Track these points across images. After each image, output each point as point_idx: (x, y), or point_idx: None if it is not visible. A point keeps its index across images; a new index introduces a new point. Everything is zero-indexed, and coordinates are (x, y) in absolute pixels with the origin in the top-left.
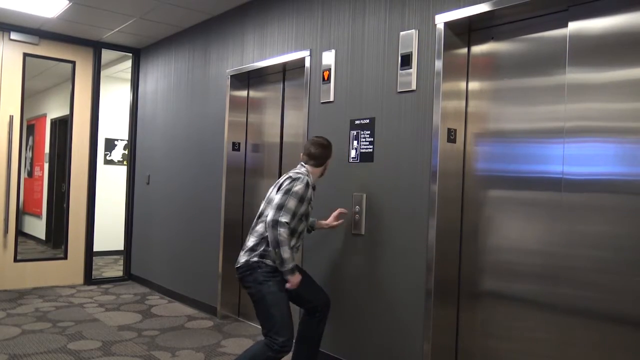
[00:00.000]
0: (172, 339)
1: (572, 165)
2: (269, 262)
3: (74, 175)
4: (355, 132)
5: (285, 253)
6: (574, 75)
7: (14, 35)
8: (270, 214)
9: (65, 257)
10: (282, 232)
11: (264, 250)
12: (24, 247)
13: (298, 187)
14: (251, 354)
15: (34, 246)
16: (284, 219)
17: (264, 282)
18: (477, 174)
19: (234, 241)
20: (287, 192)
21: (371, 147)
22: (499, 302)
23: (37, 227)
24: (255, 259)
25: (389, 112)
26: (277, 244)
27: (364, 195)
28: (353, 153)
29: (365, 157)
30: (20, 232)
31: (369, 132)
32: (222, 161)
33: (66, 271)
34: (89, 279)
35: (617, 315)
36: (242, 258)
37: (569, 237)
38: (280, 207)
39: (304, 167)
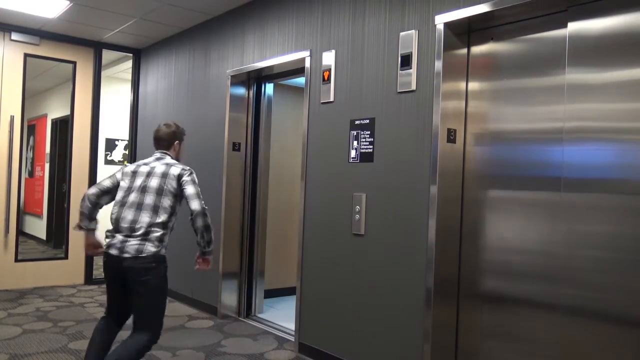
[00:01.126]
0: (172, 339)
1: (572, 166)
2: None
3: (74, 175)
4: (355, 132)
5: (213, 236)
6: (574, 76)
7: (14, 36)
8: (196, 204)
9: (66, 257)
10: (209, 218)
11: (166, 242)
12: (25, 247)
13: (194, 175)
14: (135, 348)
15: (35, 246)
16: (205, 205)
17: (164, 277)
18: (476, 174)
19: (234, 241)
20: (194, 182)
21: (371, 147)
22: (499, 302)
23: (38, 227)
24: (163, 251)
25: (389, 112)
26: (209, 229)
27: (364, 195)
28: (353, 153)
29: (365, 157)
30: (21, 232)
31: (369, 132)
32: (222, 161)
33: (67, 271)
34: (89, 278)
35: (617, 315)
36: (149, 247)
37: (569, 237)
38: (199, 196)
39: (167, 155)
